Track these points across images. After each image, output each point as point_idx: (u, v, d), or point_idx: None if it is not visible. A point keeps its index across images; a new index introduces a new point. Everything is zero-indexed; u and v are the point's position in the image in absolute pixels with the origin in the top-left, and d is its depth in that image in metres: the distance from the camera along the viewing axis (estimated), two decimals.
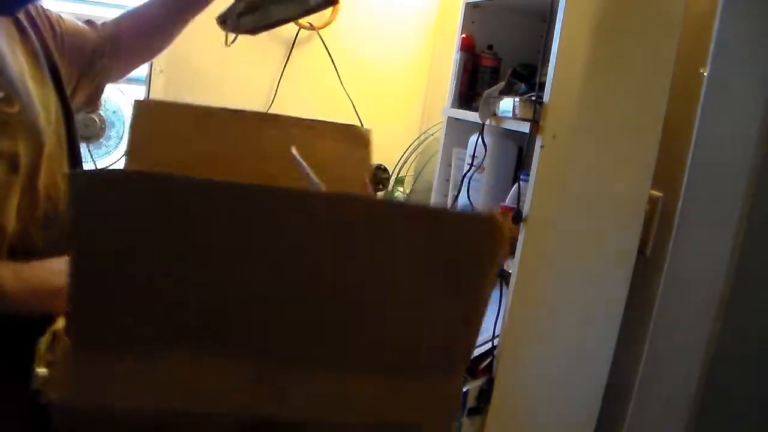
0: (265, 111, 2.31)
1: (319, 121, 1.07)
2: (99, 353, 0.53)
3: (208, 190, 0.53)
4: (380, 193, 2.35)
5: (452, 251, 0.56)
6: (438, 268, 0.56)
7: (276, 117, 1.09)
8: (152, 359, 0.53)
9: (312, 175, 0.85)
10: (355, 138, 1.09)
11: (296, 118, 1.08)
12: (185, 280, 0.53)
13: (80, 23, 1.12)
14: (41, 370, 0.58)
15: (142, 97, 2.50)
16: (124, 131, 2.62)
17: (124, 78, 1.25)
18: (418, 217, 0.56)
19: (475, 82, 1.85)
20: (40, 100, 0.92)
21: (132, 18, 1.20)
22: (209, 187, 0.53)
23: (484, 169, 1.69)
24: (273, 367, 0.54)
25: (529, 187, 1.45)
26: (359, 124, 2.33)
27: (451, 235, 0.56)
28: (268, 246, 0.53)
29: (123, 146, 2.56)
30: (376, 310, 0.56)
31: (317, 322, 0.55)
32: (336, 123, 1.10)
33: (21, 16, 0.97)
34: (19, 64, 0.92)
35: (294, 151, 0.91)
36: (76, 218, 0.51)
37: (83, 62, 1.07)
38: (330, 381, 0.56)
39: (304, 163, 0.87)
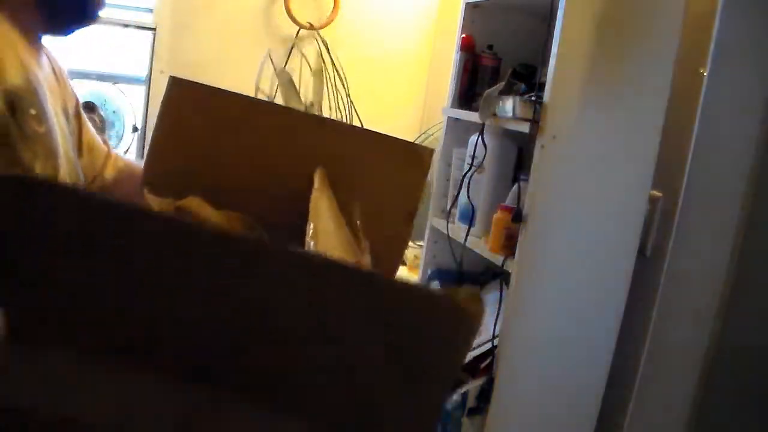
0: None
1: (373, 132, 0.97)
2: (26, 349, 0.51)
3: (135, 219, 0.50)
4: None
5: (405, 334, 0.49)
6: (390, 349, 0.49)
7: (324, 120, 0.95)
8: (76, 365, 0.50)
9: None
10: (412, 158, 0.96)
11: (348, 124, 0.97)
12: (103, 298, 0.50)
13: (99, 137, 1.16)
14: None
15: (143, 95, 2.50)
16: (124, 131, 2.62)
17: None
18: (379, 288, 0.49)
19: (475, 82, 1.85)
20: (62, 141, 0.97)
21: (132, 179, 1.22)
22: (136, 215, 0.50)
23: (484, 169, 1.70)
24: (195, 395, 0.51)
25: (529, 187, 1.45)
26: (360, 124, 2.33)
27: (408, 317, 0.49)
28: (190, 281, 0.49)
29: (123, 146, 2.56)
30: (313, 370, 0.50)
31: (248, 364, 0.50)
32: (394, 138, 0.98)
33: (59, 74, 1.05)
34: (51, 100, 0.98)
35: (317, 175, 0.81)
36: None
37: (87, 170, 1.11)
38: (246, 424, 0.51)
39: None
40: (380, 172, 0.94)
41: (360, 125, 2.33)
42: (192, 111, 0.91)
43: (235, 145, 0.90)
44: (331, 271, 0.50)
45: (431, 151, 0.98)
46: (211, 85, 0.94)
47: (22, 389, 0.50)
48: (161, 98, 0.90)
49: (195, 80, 0.91)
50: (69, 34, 1.02)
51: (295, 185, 0.80)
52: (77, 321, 0.51)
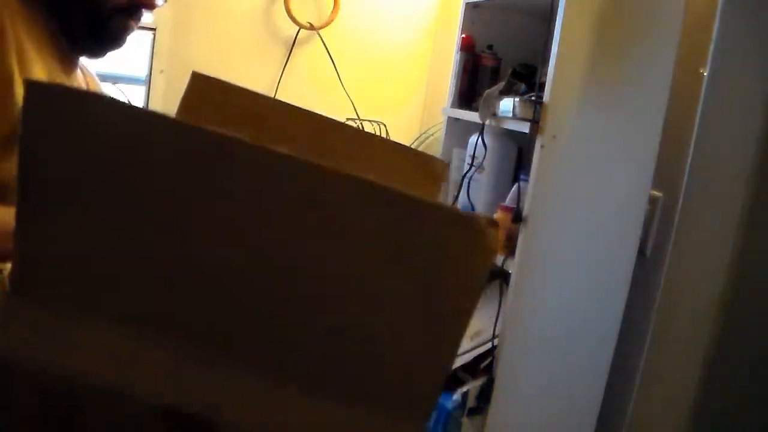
0: None
1: (391, 141, 0.98)
2: (28, 302, 0.50)
3: (159, 127, 0.48)
4: None
5: (431, 254, 0.48)
6: (410, 271, 0.48)
7: (342, 126, 0.96)
8: (77, 321, 0.49)
9: None
10: (427, 170, 0.96)
11: (366, 132, 0.97)
12: (121, 240, 0.49)
13: None
14: None
15: (143, 95, 2.50)
16: None
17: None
18: (396, 205, 0.48)
19: (475, 82, 1.85)
20: None
21: None
22: (162, 124, 0.48)
23: (484, 169, 1.70)
24: (195, 356, 0.49)
25: (529, 187, 1.45)
26: (357, 125, 2.33)
27: (432, 233, 0.48)
28: (214, 207, 0.48)
29: None
30: (326, 312, 0.48)
31: (253, 311, 0.48)
32: (410, 148, 0.98)
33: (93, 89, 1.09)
34: None
35: None
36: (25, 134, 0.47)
37: None
38: (258, 385, 0.49)
39: None
40: (395, 181, 0.96)
41: (361, 125, 2.33)
42: (212, 107, 0.91)
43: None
44: (353, 186, 0.49)
45: (446, 165, 0.99)
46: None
47: (22, 345, 0.49)
48: (161, 98, 0.91)
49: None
50: (98, 57, 1.06)
51: None
52: (97, 270, 0.50)
